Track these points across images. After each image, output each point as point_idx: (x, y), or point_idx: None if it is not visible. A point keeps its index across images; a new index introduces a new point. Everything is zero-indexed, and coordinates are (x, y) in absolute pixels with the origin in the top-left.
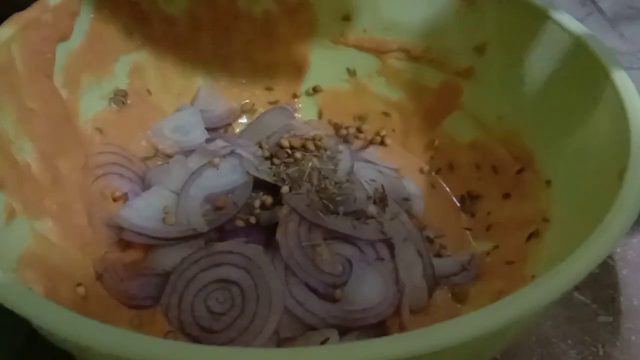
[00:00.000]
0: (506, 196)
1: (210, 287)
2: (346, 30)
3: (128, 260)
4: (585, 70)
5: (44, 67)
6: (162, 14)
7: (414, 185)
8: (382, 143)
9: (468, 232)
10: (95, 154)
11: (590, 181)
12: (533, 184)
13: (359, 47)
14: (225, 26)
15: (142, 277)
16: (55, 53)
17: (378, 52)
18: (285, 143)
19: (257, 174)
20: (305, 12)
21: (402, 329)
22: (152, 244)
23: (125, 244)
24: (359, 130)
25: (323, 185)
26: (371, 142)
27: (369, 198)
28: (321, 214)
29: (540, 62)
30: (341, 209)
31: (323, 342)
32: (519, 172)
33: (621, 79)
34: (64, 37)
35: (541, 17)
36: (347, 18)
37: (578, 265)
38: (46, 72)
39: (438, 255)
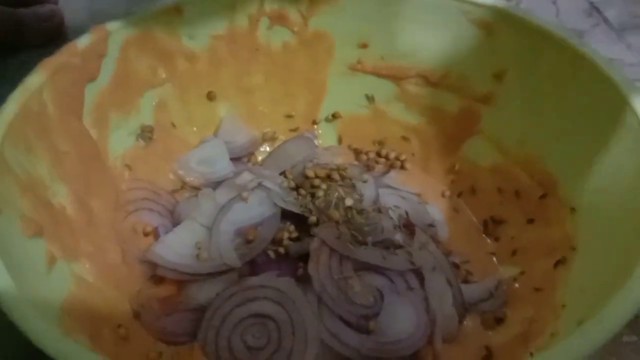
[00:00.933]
0: (530, 221)
1: (246, 322)
2: (363, 58)
3: (162, 296)
4: (605, 97)
5: (74, 110)
6: (185, 50)
7: (437, 211)
8: (402, 167)
9: (493, 256)
10: (125, 191)
11: (617, 210)
12: (557, 210)
13: (377, 74)
14: (245, 59)
15: (178, 313)
16: (84, 95)
17: (396, 78)
18: (311, 174)
19: (284, 206)
20: (322, 41)
21: (435, 358)
22: (185, 279)
23: (158, 279)
24: (378, 154)
25: (350, 216)
26: (391, 167)
27: (395, 227)
28: (351, 246)
29: (559, 90)
30: (370, 239)
31: None
32: (542, 197)
33: None
34: (92, 79)
35: (557, 44)
36: (364, 45)
37: (621, 311)
38: (77, 114)
39: (465, 281)
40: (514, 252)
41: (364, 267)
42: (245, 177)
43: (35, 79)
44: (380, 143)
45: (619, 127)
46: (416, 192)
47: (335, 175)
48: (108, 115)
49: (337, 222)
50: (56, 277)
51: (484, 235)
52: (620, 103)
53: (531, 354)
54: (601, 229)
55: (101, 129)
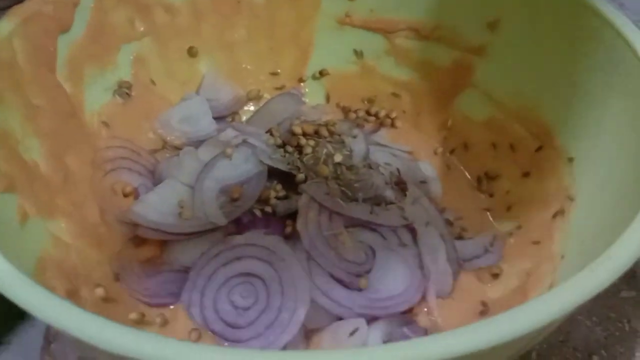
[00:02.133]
0: (526, 175)
1: (233, 281)
2: (352, 11)
3: (144, 257)
4: (606, 43)
5: (46, 61)
6: (164, 1)
7: (430, 167)
8: (393, 125)
9: (488, 212)
10: (102, 149)
11: (617, 158)
12: (554, 162)
13: (366, 28)
14: (227, 12)
15: (161, 275)
16: (57, 46)
17: (386, 32)
18: (298, 130)
19: (271, 163)
20: None
21: (430, 314)
22: (168, 239)
23: (140, 241)
24: (368, 113)
25: (339, 172)
26: (382, 125)
27: (386, 183)
28: (341, 202)
29: (557, 36)
30: (360, 196)
31: (352, 333)
32: (538, 149)
33: None
34: (65, 29)
35: None
36: None
37: (633, 246)
38: (49, 66)
39: (459, 237)
40: (509, 207)
41: (354, 223)
42: (229, 133)
43: (4, 26)
44: (370, 101)
45: (619, 72)
46: (407, 149)
47: (324, 131)
48: (83, 69)
49: (326, 179)
50: (30, 235)
51: (478, 192)
52: (621, 47)
53: None
54: (600, 177)
55: (76, 83)
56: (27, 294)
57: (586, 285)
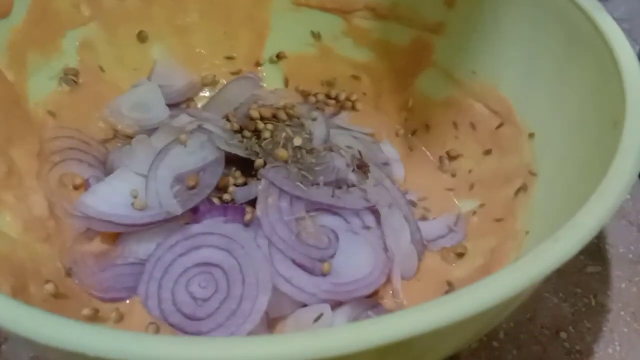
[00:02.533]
0: (487, 152)
1: (191, 272)
2: None
3: (97, 251)
4: (565, 16)
5: None
6: None
7: (392, 149)
8: (354, 108)
9: (451, 192)
10: (49, 140)
11: (578, 131)
12: (515, 138)
13: (322, 8)
14: None
15: (115, 268)
16: None
17: (342, 12)
18: (255, 114)
19: (228, 149)
20: None
21: (395, 297)
22: (121, 231)
23: (92, 234)
24: (328, 96)
25: (299, 156)
26: (342, 108)
27: (348, 166)
28: (302, 186)
29: (515, 10)
30: (321, 179)
31: (317, 319)
32: (498, 127)
33: (606, 24)
34: (5, 14)
35: None
36: None
37: (597, 213)
38: None
39: (423, 218)
40: (471, 186)
41: (316, 207)
42: (183, 119)
43: None
44: (329, 84)
45: (580, 45)
46: (369, 132)
47: (282, 115)
48: (26, 56)
49: (285, 163)
50: None
51: (440, 172)
52: (579, 18)
53: None
54: (561, 152)
55: (18, 71)
56: None
57: (551, 255)
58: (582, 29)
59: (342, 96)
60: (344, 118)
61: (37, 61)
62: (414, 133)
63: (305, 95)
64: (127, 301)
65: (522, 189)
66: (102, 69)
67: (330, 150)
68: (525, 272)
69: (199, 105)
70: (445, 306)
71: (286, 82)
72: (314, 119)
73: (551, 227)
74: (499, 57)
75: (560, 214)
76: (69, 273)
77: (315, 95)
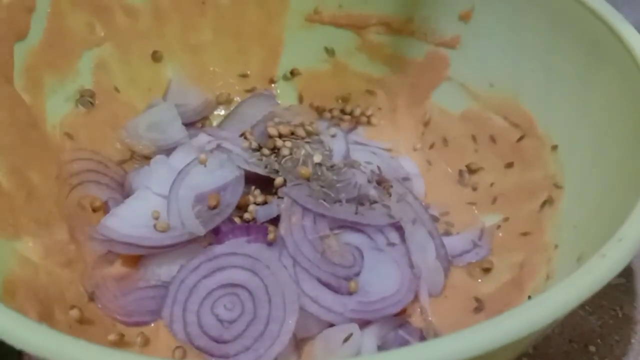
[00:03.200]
0: (509, 165)
1: (216, 293)
2: (320, 7)
3: (119, 274)
4: (586, 27)
5: (2, 70)
6: (124, 3)
7: (411, 163)
8: (369, 123)
9: (473, 206)
10: (67, 162)
11: (605, 141)
12: (538, 150)
13: (336, 24)
14: (191, 13)
15: (137, 291)
16: (13, 54)
17: (356, 27)
18: (274, 131)
19: (248, 167)
20: None
21: (423, 314)
22: (143, 253)
23: (113, 257)
24: (343, 111)
25: (320, 173)
26: (358, 123)
27: (369, 182)
28: (325, 203)
29: (533, 22)
30: (343, 196)
31: (346, 339)
32: (520, 139)
33: (629, 34)
34: (21, 36)
35: None
36: None
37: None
38: (6, 75)
39: (446, 234)
40: (494, 200)
41: (339, 225)
42: (202, 138)
43: None
44: (344, 99)
45: (603, 55)
46: (386, 147)
47: (301, 132)
48: (42, 78)
49: (307, 180)
50: None
51: (461, 186)
52: (601, 30)
53: (529, 298)
54: (587, 163)
55: (35, 93)
56: None
57: (600, 270)
58: (604, 39)
59: (358, 111)
60: (360, 133)
61: (54, 83)
62: (431, 147)
63: (320, 111)
64: (152, 325)
65: (548, 202)
66: (117, 90)
67: (351, 166)
68: (576, 288)
69: (214, 123)
70: (479, 333)
71: (300, 99)
72: (333, 135)
73: (582, 241)
74: (517, 69)
75: (591, 227)
76: (91, 297)
77: (330, 111)
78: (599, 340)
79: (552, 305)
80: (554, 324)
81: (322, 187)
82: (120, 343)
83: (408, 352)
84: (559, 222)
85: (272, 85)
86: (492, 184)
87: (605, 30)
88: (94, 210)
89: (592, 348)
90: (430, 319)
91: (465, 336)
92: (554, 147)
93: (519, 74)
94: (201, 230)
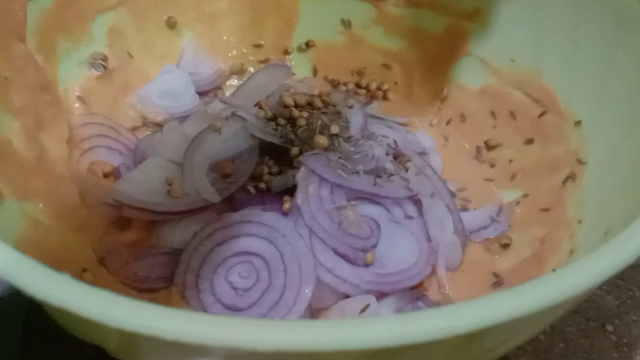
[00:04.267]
0: (529, 142)
1: (230, 261)
2: None
3: (130, 240)
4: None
5: (15, 29)
6: None
7: (428, 138)
8: (385, 98)
9: (491, 182)
10: (79, 126)
11: (630, 117)
12: (560, 126)
13: None
14: None
15: (150, 257)
16: (27, 12)
17: None
18: (290, 101)
19: (263, 137)
20: None
21: (441, 288)
22: (155, 219)
23: (124, 222)
24: (358, 85)
25: (337, 144)
26: (373, 97)
27: (387, 154)
28: (343, 174)
29: None
30: (360, 168)
31: (363, 310)
32: (541, 115)
33: None
34: None
35: None
36: None
37: None
38: (19, 34)
39: (464, 209)
40: (513, 176)
41: (357, 196)
42: (217, 106)
43: None
44: (360, 73)
45: (625, 27)
46: (403, 121)
47: (317, 102)
48: (55, 40)
49: (324, 150)
50: (5, 216)
51: (478, 162)
52: (630, 2)
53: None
54: (612, 138)
55: (48, 55)
56: (20, 272)
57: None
58: (632, 12)
59: (373, 86)
60: (375, 108)
61: (67, 46)
62: (448, 123)
63: (334, 84)
64: (164, 292)
65: (571, 177)
66: (130, 55)
67: (369, 138)
68: (607, 257)
69: (227, 94)
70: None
71: (315, 71)
72: (351, 107)
73: (607, 216)
74: (539, 44)
75: (618, 202)
76: (102, 263)
77: (345, 84)
78: (616, 320)
79: (589, 271)
80: (581, 296)
81: (339, 157)
82: None
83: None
84: (582, 197)
85: (287, 56)
86: (511, 161)
87: (632, 2)
88: (105, 175)
89: (609, 327)
90: (447, 292)
91: (485, 304)
92: (577, 123)
93: (542, 49)
94: (216, 198)
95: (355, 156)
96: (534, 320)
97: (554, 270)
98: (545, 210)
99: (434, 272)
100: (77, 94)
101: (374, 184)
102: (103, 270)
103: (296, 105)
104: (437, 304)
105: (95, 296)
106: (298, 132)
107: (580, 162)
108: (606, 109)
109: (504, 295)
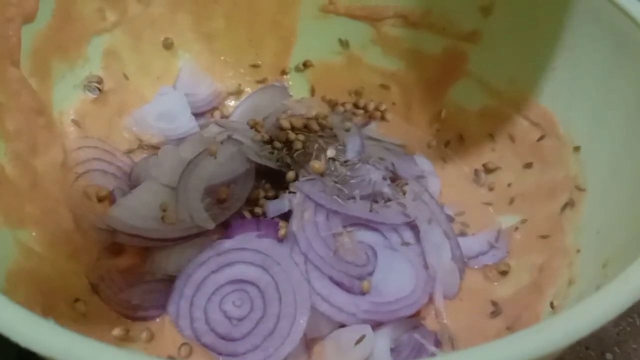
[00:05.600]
0: (528, 165)
1: (224, 289)
2: None
3: (124, 266)
4: (612, 23)
5: (9, 53)
6: None
7: (426, 161)
8: (383, 118)
9: (489, 207)
10: (73, 150)
11: (631, 144)
12: (558, 151)
13: (351, 16)
14: (204, 1)
15: (143, 285)
16: (21, 37)
17: (372, 19)
18: (286, 124)
19: (259, 160)
20: None
21: (438, 317)
22: (150, 246)
23: (118, 248)
24: (356, 106)
25: (333, 168)
26: (371, 118)
27: (384, 179)
28: (339, 200)
29: (556, 17)
30: (357, 193)
31: (359, 341)
32: (540, 139)
33: None
34: (30, 19)
35: None
36: None
37: None
38: (12, 58)
39: (462, 234)
40: (511, 200)
41: (353, 222)
42: (213, 129)
43: None
44: (357, 93)
45: (624, 52)
46: (400, 143)
47: (314, 125)
48: (50, 63)
49: (320, 176)
50: None
51: (476, 185)
52: (626, 25)
53: (552, 304)
54: (612, 165)
55: (43, 78)
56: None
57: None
58: (631, 36)
59: (371, 106)
60: (373, 129)
61: (62, 68)
62: (447, 145)
63: (332, 104)
64: (157, 320)
65: (569, 204)
66: (126, 77)
67: (366, 162)
68: (616, 298)
69: (225, 114)
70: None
71: (312, 92)
72: (348, 130)
73: (606, 245)
74: (538, 66)
75: (617, 232)
76: (95, 290)
77: (342, 104)
78: (616, 348)
79: (584, 319)
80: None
81: (335, 182)
82: (126, 338)
83: None
84: (581, 225)
85: (284, 76)
86: (509, 185)
87: (631, 26)
88: (100, 199)
89: (609, 356)
90: (445, 322)
91: (492, 350)
92: (577, 148)
93: (540, 72)
94: (210, 224)
95: (352, 180)
96: None
97: (552, 303)
98: (544, 237)
99: (431, 300)
100: (72, 117)
101: (371, 210)
102: (96, 298)
103: (292, 128)
104: (434, 333)
105: (80, 345)
106: (294, 155)
107: (579, 188)
108: (605, 134)
109: (500, 343)
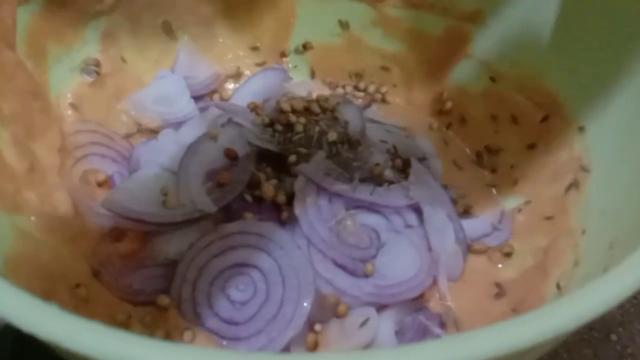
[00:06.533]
0: (531, 147)
1: (227, 273)
2: None
3: (124, 251)
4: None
5: (4, 36)
6: None
7: (428, 143)
8: (384, 100)
9: (492, 188)
10: (71, 134)
11: (635, 122)
12: (563, 132)
13: None
14: None
15: (144, 269)
16: (16, 19)
17: (373, 0)
18: (287, 107)
19: (260, 144)
20: None
21: (442, 299)
22: (151, 230)
23: (118, 233)
24: (356, 88)
25: (334, 151)
26: (372, 100)
27: (386, 161)
28: (341, 183)
29: None
30: (357, 175)
31: (363, 324)
32: (543, 119)
33: None
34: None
35: None
36: None
37: None
38: (7, 41)
39: (465, 216)
40: (515, 182)
41: (356, 205)
42: (213, 112)
43: None
44: (358, 75)
45: (634, 31)
46: (402, 125)
47: (315, 107)
48: (46, 45)
49: (322, 158)
50: None
51: (479, 167)
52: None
53: (558, 286)
54: (617, 146)
55: (39, 61)
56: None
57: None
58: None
59: (372, 88)
60: (374, 111)
61: (58, 51)
62: (448, 127)
63: (333, 87)
64: (159, 304)
65: (574, 185)
66: (124, 60)
67: (368, 145)
68: (624, 280)
69: (224, 97)
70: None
71: (312, 74)
72: (349, 112)
73: (612, 226)
74: (542, 45)
75: (623, 213)
76: (96, 275)
77: (343, 87)
78: (620, 329)
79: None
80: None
81: (337, 166)
82: (127, 324)
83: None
84: (586, 206)
85: (284, 59)
86: (512, 166)
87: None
88: (99, 184)
89: (613, 337)
90: (449, 304)
91: (498, 331)
92: (581, 129)
93: (544, 51)
94: (212, 208)
95: (354, 163)
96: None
97: (558, 285)
98: (548, 218)
99: (435, 282)
100: (70, 100)
101: (373, 193)
102: (97, 283)
103: (293, 111)
104: (438, 315)
105: (84, 328)
106: (295, 138)
107: (584, 169)
108: (610, 114)
109: (507, 325)
